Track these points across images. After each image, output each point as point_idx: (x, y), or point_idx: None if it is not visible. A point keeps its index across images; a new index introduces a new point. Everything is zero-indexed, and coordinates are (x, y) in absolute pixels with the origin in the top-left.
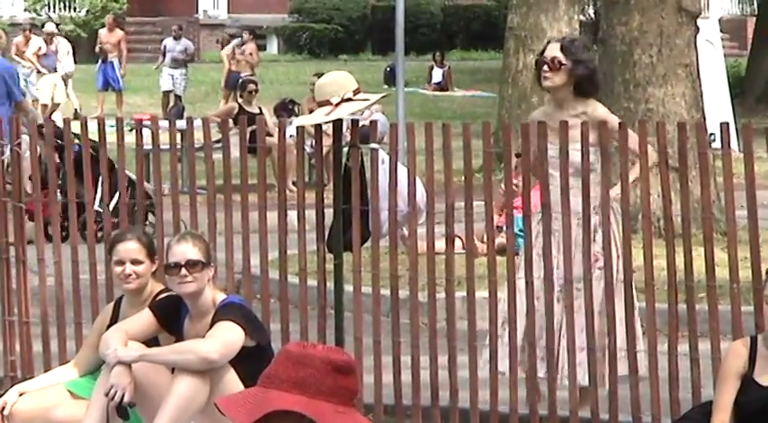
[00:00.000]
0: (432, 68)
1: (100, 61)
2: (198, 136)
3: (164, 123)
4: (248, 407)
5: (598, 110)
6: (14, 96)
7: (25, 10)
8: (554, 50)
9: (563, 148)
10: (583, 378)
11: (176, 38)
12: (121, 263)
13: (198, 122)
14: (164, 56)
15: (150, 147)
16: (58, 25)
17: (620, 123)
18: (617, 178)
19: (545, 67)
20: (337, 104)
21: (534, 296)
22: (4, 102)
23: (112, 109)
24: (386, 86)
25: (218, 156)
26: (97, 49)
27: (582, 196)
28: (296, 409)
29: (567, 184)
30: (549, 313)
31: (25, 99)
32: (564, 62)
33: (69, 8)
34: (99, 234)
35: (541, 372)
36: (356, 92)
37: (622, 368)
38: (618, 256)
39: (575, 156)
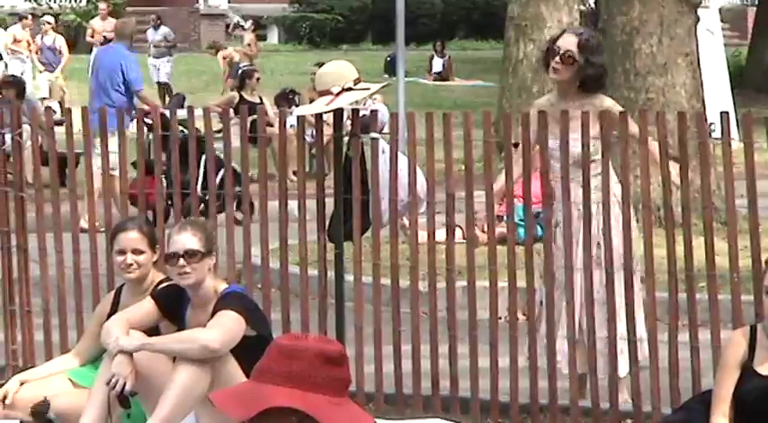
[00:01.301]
0: (432, 58)
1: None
2: (199, 125)
3: (181, 112)
4: (244, 402)
5: (605, 102)
6: (133, 86)
7: (25, 0)
8: (569, 44)
9: (563, 138)
10: (582, 366)
11: (155, 27)
12: (123, 252)
13: (199, 112)
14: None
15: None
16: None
17: (620, 112)
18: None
19: (556, 59)
20: (338, 94)
21: (555, 286)
22: (123, 91)
23: None
24: (386, 76)
25: (218, 145)
26: (88, 38)
27: (582, 186)
28: (291, 405)
29: (567, 174)
30: (551, 304)
31: (142, 88)
32: (577, 58)
33: None
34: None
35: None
36: (357, 81)
37: (623, 357)
38: (618, 245)
39: (576, 146)
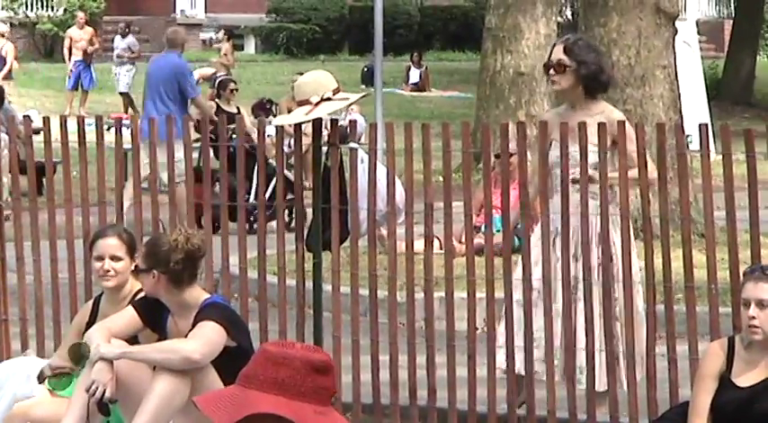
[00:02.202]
0: (409, 69)
1: (74, 60)
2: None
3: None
4: (228, 407)
5: (614, 113)
6: (188, 93)
7: (2, 8)
8: (558, 53)
9: (563, 149)
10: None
11: (123, 35)
12: (101, 258)
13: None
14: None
15: (129, 146)
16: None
17: (619, 123)
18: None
19: (551, 71)
20: (317, 104)
21: (531, 297)
22: (176, 99)
23: (90, 108)
24: (363, 86)
25: (195, 155)
26: (65, 49)
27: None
28: (277, 411)
29: (567, 186)
30: (529, 313)
31: (199, 95)
32: (568, 64)
33: (47, 7)
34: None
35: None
36: (336, 91)
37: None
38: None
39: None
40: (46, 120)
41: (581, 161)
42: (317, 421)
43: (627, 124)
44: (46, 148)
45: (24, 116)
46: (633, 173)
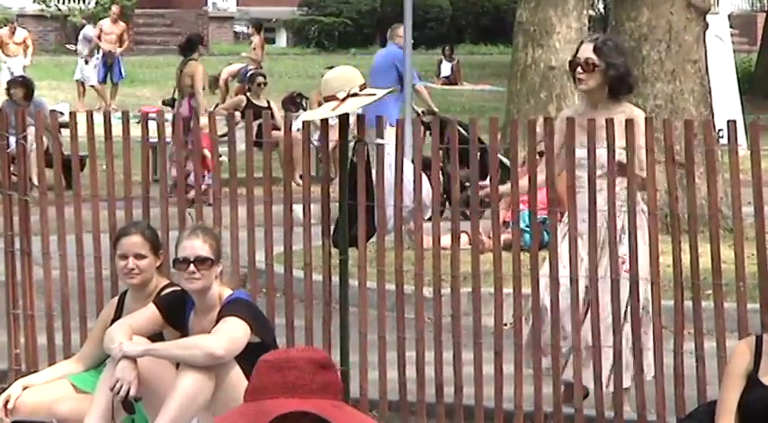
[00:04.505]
0: (441, 62)
1: (101, 53)
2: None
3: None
4: (251, 418)
5: (635, 111)
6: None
7: (34, 1)
8: (587, 51)
9: (590, 146)
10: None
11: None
12: (125, 257)
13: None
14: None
15: (156, 140)
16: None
17: (645, 119)
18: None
19: (579, 70)
20: (343, 99)
21: (559, 294)
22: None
23: (121, 101)
24: None
25: (224, 149)
26: (94, 41)
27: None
28: (300, 408)
29: (594, 184)
30: (556, 311)
31: (418, 82)
32: (597, 64)
33: (78, 0)
34: None
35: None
36: (363, 87)
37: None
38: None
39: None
40: (72, 114)
41: (608, 158)
42: (338, 414)
43: (641, 123)
44: (72, 142)
45: (51, 110)
46: (643, 174)
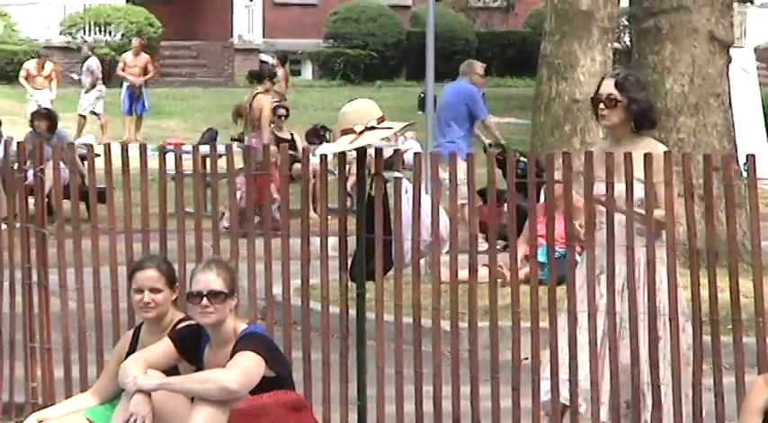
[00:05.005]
0: None
1: (125, 85)
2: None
3: (204, 149)
4: None
5: (659, 147)
6: (477, 116)
7: (61, 33)
8: (608, 87)
9: (628, 182)
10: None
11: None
12: (140, 291)
13: (221, 148)
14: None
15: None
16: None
17: (665, 153)
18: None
19: (601, 105)
20: (361, 132)
21: (577, 329)
22: (463, 124)
23: (146, 133)
24: (420, 112)
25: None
26: (119, 72)
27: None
28: None
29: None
30: (574, 345)
31: (489, 117)
32: (620, 99)
33: (104, 32)
34: None
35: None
36: (380, 120)
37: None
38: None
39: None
40: (89, 147)
41: (626, 193)
42: None
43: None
44: (89, 175)
45: (69, 143)
46: (659, 213)
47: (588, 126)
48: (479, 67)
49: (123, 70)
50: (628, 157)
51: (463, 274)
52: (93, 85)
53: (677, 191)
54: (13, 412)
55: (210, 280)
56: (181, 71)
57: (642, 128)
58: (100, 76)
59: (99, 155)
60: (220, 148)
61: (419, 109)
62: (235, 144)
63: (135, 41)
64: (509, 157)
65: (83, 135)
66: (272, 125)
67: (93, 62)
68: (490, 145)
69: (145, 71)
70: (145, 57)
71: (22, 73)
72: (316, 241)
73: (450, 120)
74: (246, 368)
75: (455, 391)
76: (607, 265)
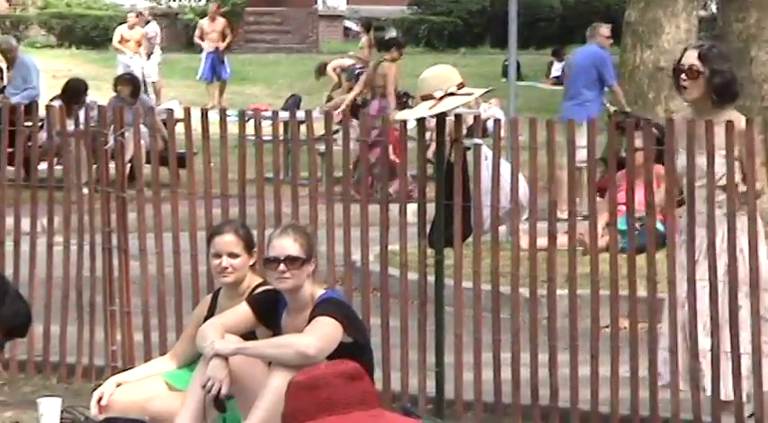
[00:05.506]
0: (551, 63)
1: (205, 52)
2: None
3: (283, 114)
4: None
5: (742, 122)
6: (606, 81)
7: None
8: (691, 58)
9: (710, 152)
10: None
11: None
12: (218, 255)
13: (317, 114)
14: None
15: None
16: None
17: (746, 120)
18: None
19: (682, 76)
20: (441, 98)
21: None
22: (593, 87)
23: (230, 99)
24: (504, 80)
25: (321, 147)
26: (196, 40)
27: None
28: None
29: (713, 191)
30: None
31: (616, 84)
32: (701, 70)
33: None
34: None
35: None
36: (460, 86)
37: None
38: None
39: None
40: (170, 112)
41: (707, 168)
42: None
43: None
44: (170, 140)
45: (149, 108)
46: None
47: (672, 94)
48: (604, 28)
49: (201, 37)
50: (710, 127)
51: (542, 241)
52: (151, 52)
53: (761, 159)
54: (93, 375)
55: (287, 245)
56: (265, 37)
57: (724, 101)
58: (158, 41)
59: (180, 120)
60: (300, 114)
61: (502, 76)
62: (316, 109)
63: (212, 6)
64: (628, 125)
65: (164, 101)
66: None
67: (152, 28)
68: (615, 112)
69: (223, 36)
70: (222, 21)
71: (116, 37)
72: (395, 207)
73: (580, 84)
74: (324, 333)
75: (533, 358)
76: (687, 234)
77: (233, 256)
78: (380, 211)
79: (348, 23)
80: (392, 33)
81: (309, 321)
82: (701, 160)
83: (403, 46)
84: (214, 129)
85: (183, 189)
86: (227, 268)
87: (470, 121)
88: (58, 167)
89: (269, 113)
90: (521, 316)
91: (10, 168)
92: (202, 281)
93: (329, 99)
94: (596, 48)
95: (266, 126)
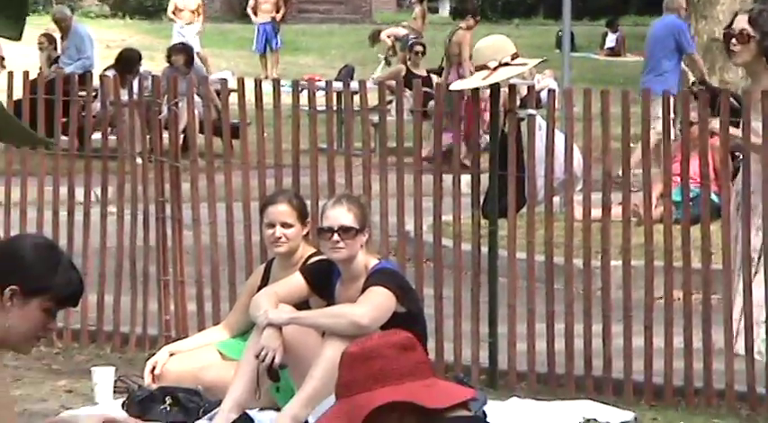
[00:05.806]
0: (606, 34)
1: (258, 23)
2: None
3: (337, 85)
4: (346, 418)
5: None
6: (685, 49)
7: None
8: (742, 23)
9: (765, 120)
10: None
11: None
12: (272, 225)
13: (370, 85)
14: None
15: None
16: None
17: None
18: None
19: (733, 41)
20: (495, 69)
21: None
22: (672, 57)
23: (283, 70)
24: (557, 51)
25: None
26: (249, 10)
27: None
28: (392, 399)
29: (748, 157)
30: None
31: (695, 51)
32: (752, 35)
33: None
34: None
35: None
36: (514, 56)
37: None
38: None
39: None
40: (224, 82)
41: (763, 132)
42: (431, 393)
43: None
44: (224, 110)
45: (203, 77)
46: None
47: (727, 65)
48: None
49: (255, 9)
50: (765, 95)
51: (596, 212)
52: (191, 22)
53: None
54: (147, 344)
55: (341, 215)
56: (318, 8)
57: None
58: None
59: (234, 90)
60: (354, 85)
61: (556, 47)
62: (370, 80)
63: None
64: (701, 95)
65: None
66: (409, 62)
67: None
68: (694, 83)
69: (277, 7)
70: None
71: (171, 7)
72: (448, 178)
73: (659, 54)
74: (378, 303)
75: (587, 329)
76: (743, 203)
77: (286, 225)
78: (434, 182)
79: None
80: (446, 5)
81: (363, 291)
82: (756, 126)
83: (478, 14)
84: (268, 99)
85: (237, 159)
86: (280, 238)
87: (524, 91)
88: (112, 137)
89: (322, 84)
90: (574, 287)
91: (64, 138)
92: (255, 251)
93: (387, 63)
94: (674, 17)
95: (320, 96)
